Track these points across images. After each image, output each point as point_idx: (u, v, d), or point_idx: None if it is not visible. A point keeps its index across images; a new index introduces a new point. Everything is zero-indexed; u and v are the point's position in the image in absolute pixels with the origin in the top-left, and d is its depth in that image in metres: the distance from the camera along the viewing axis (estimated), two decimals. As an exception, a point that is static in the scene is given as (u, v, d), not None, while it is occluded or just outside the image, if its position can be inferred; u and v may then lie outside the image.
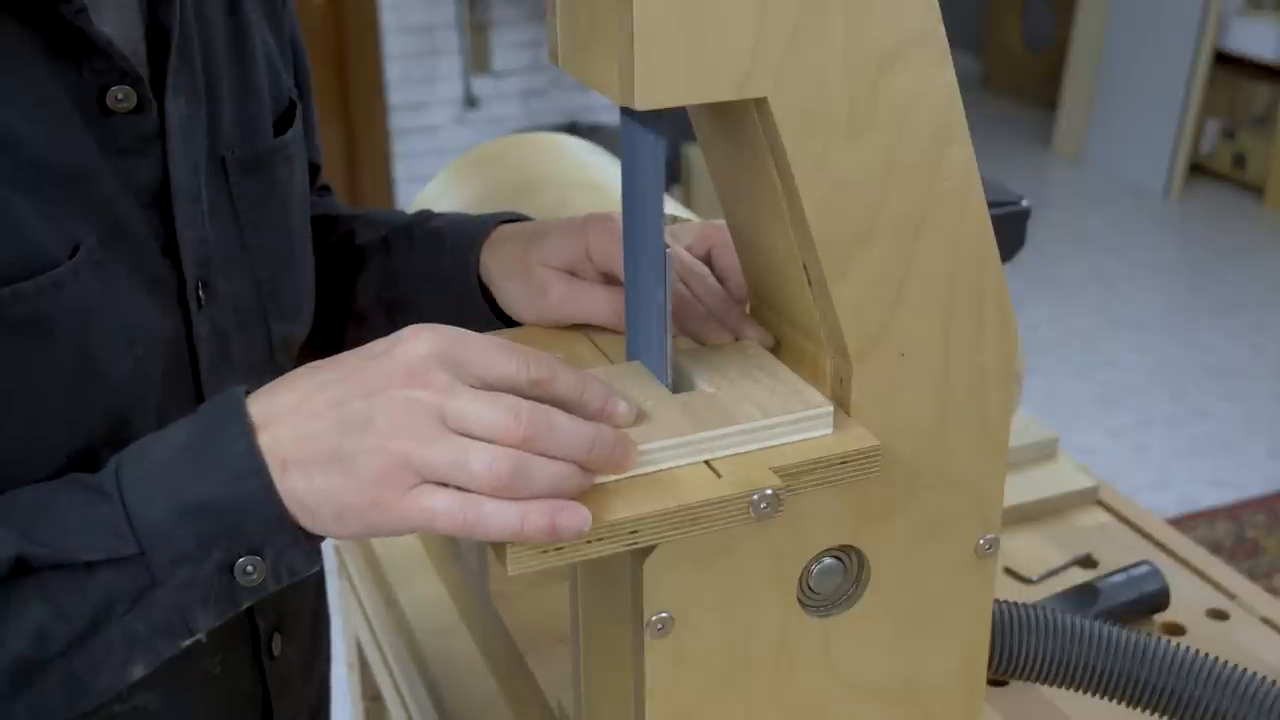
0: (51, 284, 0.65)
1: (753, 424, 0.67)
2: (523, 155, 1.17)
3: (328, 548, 1.39)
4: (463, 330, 0.63)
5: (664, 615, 0.67)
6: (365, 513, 0.60)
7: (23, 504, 0.62)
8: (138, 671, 0.62)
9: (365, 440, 0.59)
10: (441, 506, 0.59)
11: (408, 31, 4.19)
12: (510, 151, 1.18)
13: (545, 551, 0.61)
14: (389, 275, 0.92)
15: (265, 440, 0.61)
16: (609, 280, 0.81)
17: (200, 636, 0.63)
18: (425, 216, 0.94)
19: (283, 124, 0.86)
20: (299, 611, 0.93)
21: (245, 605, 0.63)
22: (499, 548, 0.61)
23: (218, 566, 0.61)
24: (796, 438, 0.67)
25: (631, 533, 0.62)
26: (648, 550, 0.65)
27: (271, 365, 0.84)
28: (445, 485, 0.60)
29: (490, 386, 0.62)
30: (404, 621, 1.11)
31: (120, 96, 0.70)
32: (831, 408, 0.68)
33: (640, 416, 0.67)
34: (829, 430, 0.68)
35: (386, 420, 0.59)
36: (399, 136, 4.28)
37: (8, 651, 0.60)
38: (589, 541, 0.61)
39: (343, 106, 4.25)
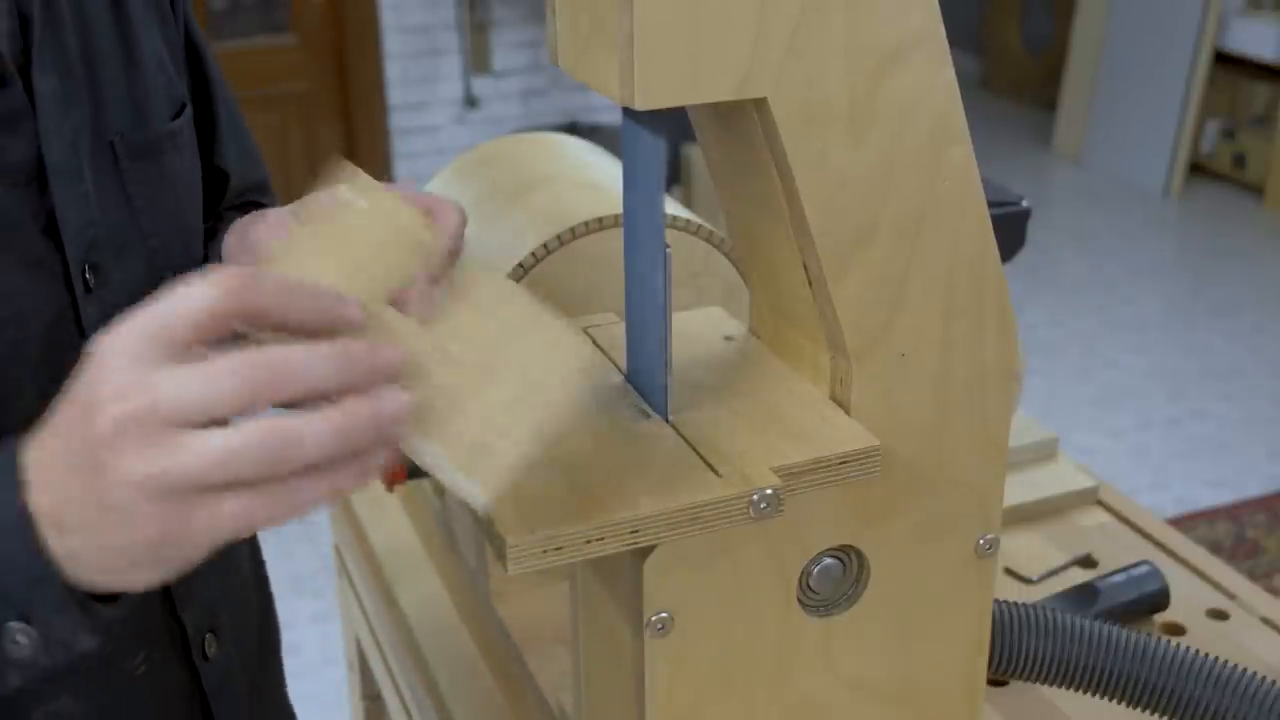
0: None
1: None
2: (523, 155, 1.17)
3: (326, 547, 1.38)
4: (146, 306, 0.53)
5: (664, 615, 0.67)
6: (158, 551, 0.53)
7: None
8: None
9: (110, 481, 0.52)
10: (237, 510, 0.52)
11: (408, 31, 4.19)
12: (510, 151, 1.18)
13: (545, 551, 0.61)
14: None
15: (42, 501, 0.54)
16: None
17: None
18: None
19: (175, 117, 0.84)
20: (240, 613, 0.90)
21: (14, 685, 0.57)
22: (499, 547, 0.61)
23: None
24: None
25: (631, 533, 0.62)
26: (648, 550, 0.65)
27: None
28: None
29: (194, 328, 0.52)
30: (404, 621, 1.11)
31: None
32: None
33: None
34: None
35: (111, 452, 0.51)
36: (399, 136, 4.28)
37: None
38: (589, 541, 0.61)
39: (343, 106, 4.25)
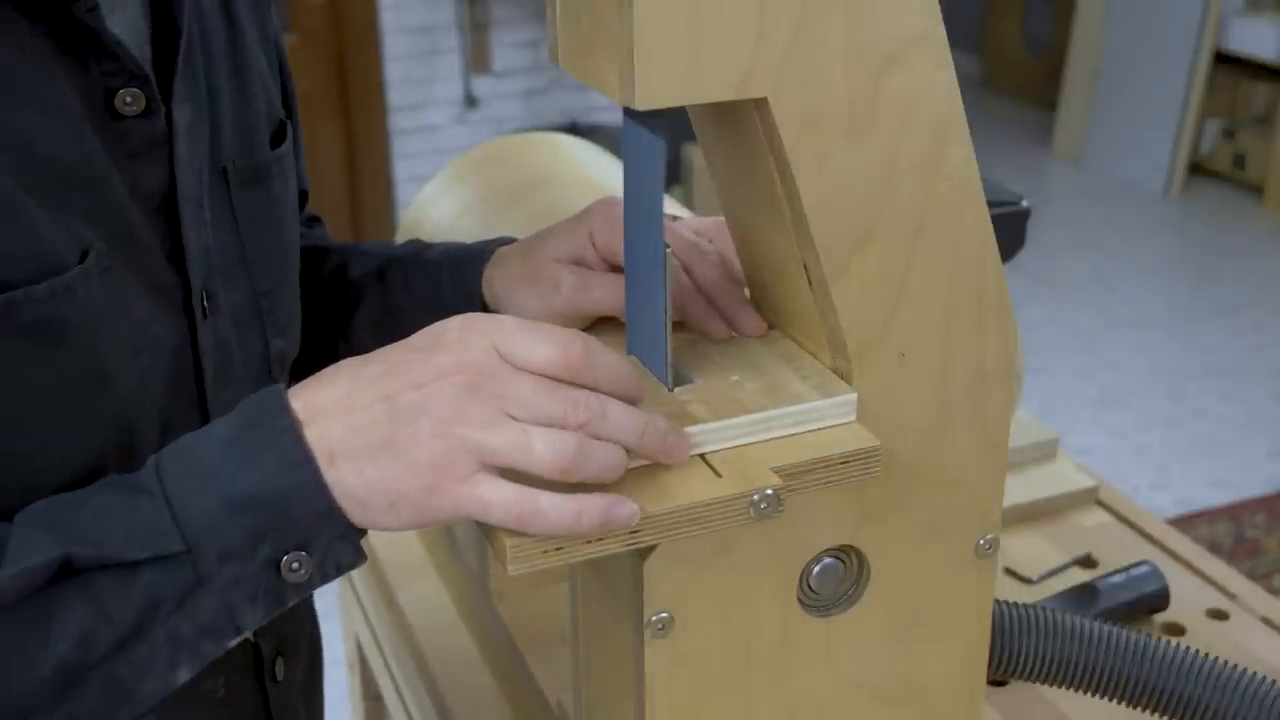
0: (64, 288, 0.64)
1: (781, 410, 0.68)
2: (523, 155, 1.17)
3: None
4: (501, 317, 0.64)
5: (664, 615, 0.67)
6: (418, 499, 0.60)
7: (61, 506, 0.61)
8: (183, 675, 0.61)
9: (420, 427, 0.59)
10: (498, 498, 0.59)
11: (408, 31, 4.19)
12: (510, 151, 1.18)
13: (545, 551, 0.61)
14: (386, 308, 0.92)
15: (311, 435, 0.60)
16: (616, 270, 0.81)
17: (248, 635, 0.61)
18: (421, 247, 0.94)
19: (275, 140, 0.85)
20: (299, 636, 0.92)
21: (290, 604, 0.62)
22: (499, 548, 0.61)
23: (265, 563, 0.60)
24: (821, 425, 0.68)
25: (632, 533, 0.62)
26: (648, 550, 0.65)
27: (269, 380, 0.83)
28: (502, 477, 0.60)
29: (533, 371, 0.62)
30: (404, 621, 1.11)
31: (129, 99, 0.69)
32: (854, 395, 0.69)
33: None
34: (851, 418, 0.69)
35: (442, 407, 0.60)
36: (399, 136, 4.27)
37: (50, 657, 0.58)
38: (589, 541, 0.61)
39: (343, 106, 4.25)
